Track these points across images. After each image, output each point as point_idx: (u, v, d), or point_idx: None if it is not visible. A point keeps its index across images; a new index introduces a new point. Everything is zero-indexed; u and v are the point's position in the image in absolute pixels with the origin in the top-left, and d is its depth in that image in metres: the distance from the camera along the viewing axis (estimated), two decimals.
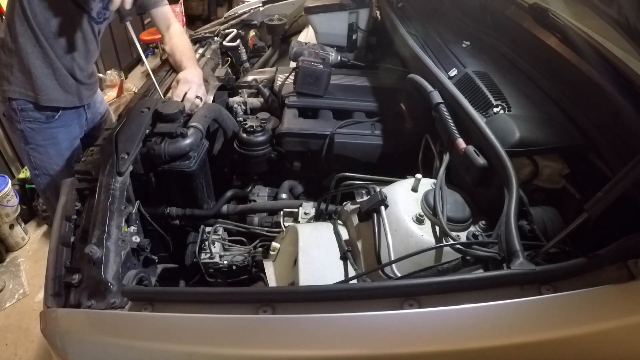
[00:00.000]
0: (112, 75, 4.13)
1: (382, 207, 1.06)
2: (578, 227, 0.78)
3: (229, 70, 2.02)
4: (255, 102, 1.85)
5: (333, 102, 1.66)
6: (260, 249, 1.37)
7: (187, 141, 1.32)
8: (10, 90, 1.60)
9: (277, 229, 1.39)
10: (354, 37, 2.09)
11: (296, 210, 1.39)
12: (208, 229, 1.41)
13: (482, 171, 1.01)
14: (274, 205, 1.48)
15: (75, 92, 1.70)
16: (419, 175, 1.11)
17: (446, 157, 1.15)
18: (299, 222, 1.35)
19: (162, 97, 1.59)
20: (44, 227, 2.90)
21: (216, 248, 1.38)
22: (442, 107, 1.19)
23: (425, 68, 1.35)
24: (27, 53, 1.54)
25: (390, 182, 1.20)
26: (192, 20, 5.49)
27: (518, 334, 0.70)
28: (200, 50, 2.02)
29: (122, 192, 1.14)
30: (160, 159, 1.30)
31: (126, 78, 4.49)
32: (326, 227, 1.20)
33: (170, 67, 1.83)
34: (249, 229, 1.44)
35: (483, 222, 1.03)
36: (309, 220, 1.35)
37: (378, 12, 2.17)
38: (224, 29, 2.27)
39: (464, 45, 1.51)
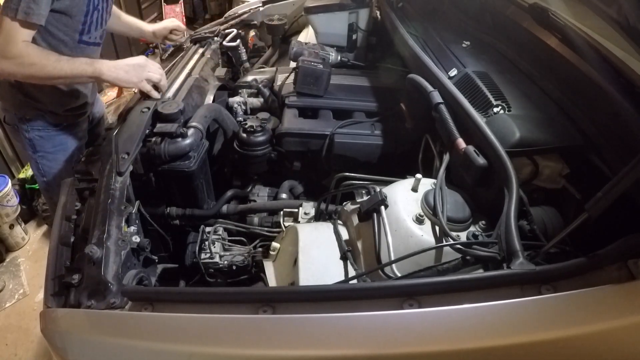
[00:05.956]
0: None
1: (382, 207, 1.06)
2: (578, 227, 0.78)
3: (229, 70, 2.02)
4: (255, 102, 1.85)
5: (333, 102, 1.66)
6: (260, 249, 1.37)
7: (187, 141, 1.32)
8: (20, 108, 1.60)
9: (277, 229, 1.39)
10: (354, 37, 2.09)
11: (296, 210, 1.39)
12: (208, 229, 1.41)
13: (482, 171, 1.01)
14: (274, 205, 1.48)
15: (82, 109, 1.74)
16: (419, 175, 1.11)
17: (446, 157, 1.15)
18: (299, 222, 1.35)
19: None
20: (44, 227, 2.90)
21: (216, 248, 1.38)
22: (442, 107, 1.19)
23: (425, 68, 1.35)
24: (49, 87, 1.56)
25: (390, 182, 1.20)
26: (191, 21, 5.48)
27: (518, 334, 0.70)
28: (200, 50, 2.01)
29: (122, 192, 1.14)
30: (160, 159, 1.30)
31: None
32: (326, 227, 1.20)
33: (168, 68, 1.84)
34: (249, 229, 1.44)
35: (483, 222, 1.03)
36: (309, 220, 1.35)
37: (378, 12, 2.17)
38: (224, 29, 2.26)
39: (464, 45, 1.51)
